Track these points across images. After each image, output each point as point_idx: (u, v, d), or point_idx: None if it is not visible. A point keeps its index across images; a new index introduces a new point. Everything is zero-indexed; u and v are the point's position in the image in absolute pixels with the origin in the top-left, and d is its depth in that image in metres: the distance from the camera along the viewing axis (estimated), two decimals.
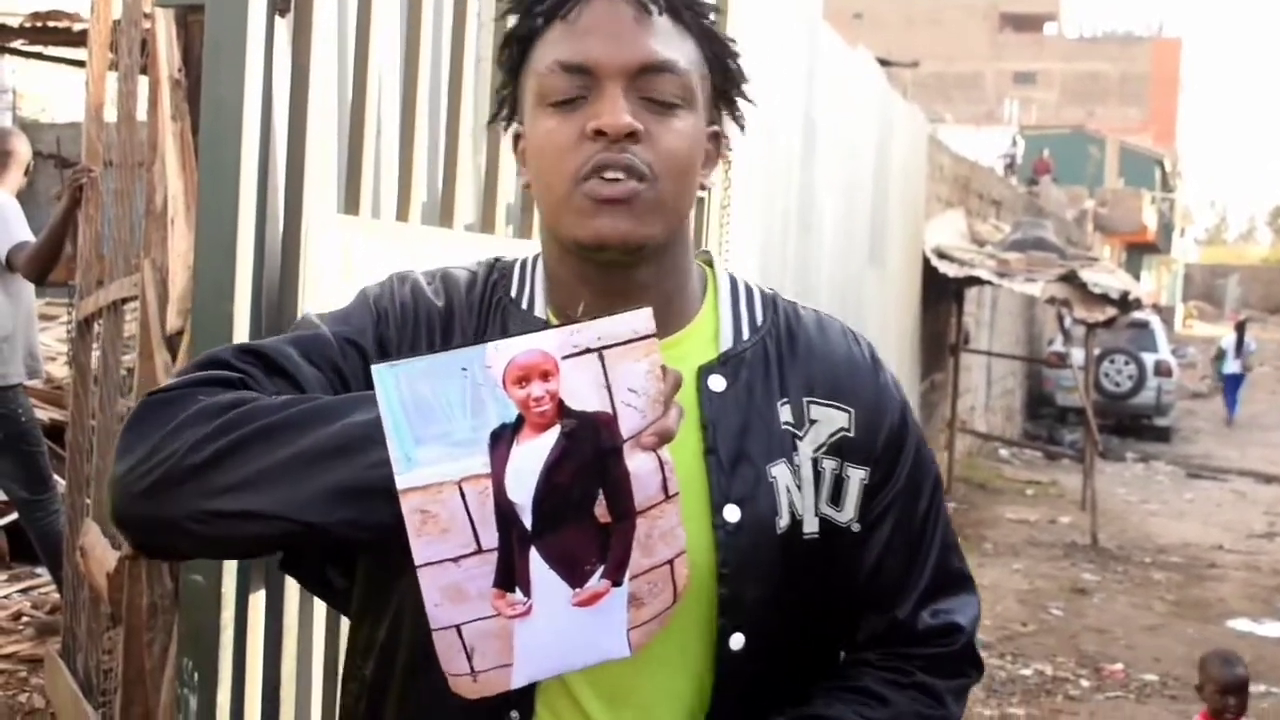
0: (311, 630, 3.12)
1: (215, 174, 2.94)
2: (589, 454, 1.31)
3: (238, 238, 2.90)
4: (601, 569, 1.35)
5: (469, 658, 1.35)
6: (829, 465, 1.63)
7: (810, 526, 1.61)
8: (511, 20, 1.63)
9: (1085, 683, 8.25)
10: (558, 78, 1.53)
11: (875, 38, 34.48)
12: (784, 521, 1.59)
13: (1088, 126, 51.68)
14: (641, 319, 1.31)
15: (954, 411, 15.10)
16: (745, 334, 1.66)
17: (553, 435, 1.30)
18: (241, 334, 2.90)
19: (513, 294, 1.66)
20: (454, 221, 3.37)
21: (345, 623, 3.14)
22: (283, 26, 2.99)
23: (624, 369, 1.31)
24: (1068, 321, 14.96)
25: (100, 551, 4.16)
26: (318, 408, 1.39)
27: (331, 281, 2.95)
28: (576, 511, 1.33)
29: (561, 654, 1.38)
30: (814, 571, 1.62)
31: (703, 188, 1.62)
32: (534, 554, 1.33)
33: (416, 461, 1.28)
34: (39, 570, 7.06)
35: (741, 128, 1.71)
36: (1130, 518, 14.40)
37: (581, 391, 1.30)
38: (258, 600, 2.97)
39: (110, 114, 4.74)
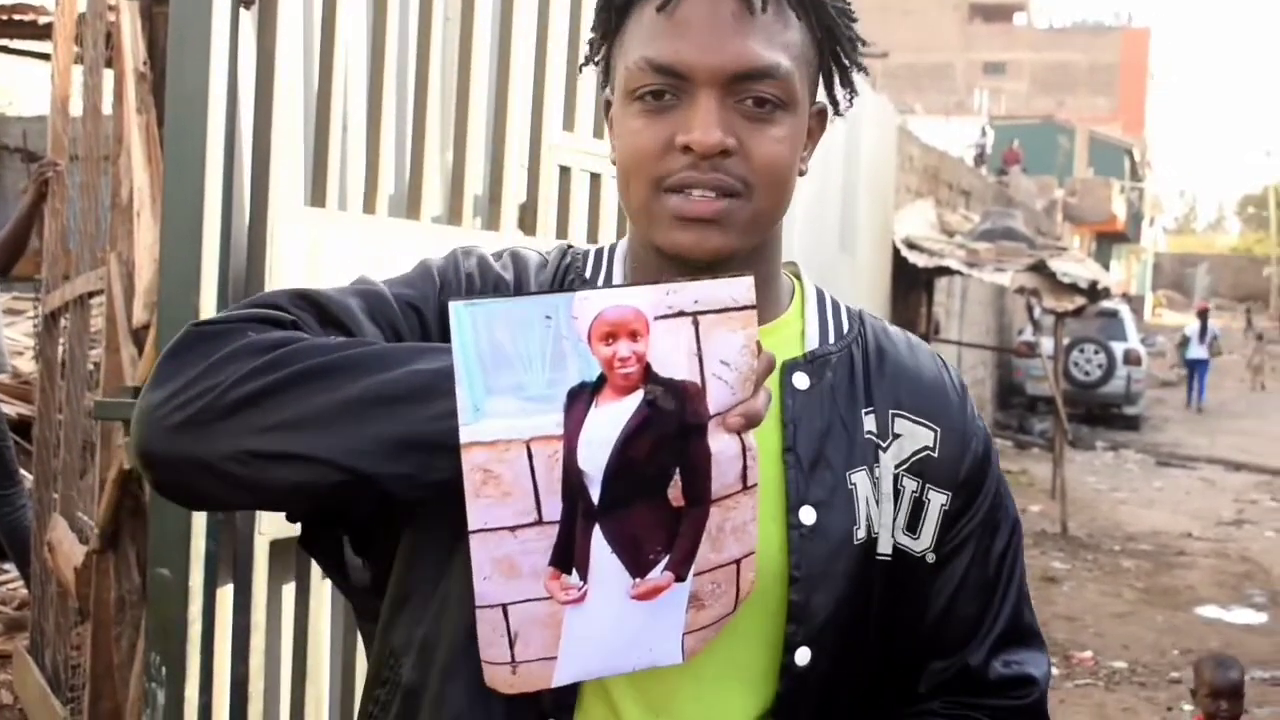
0: (280, 624, 3.11)
1: (181, 167, 2.94)
2: (671, 427, 1.21)
3: (204, 231, 2.89)
4: (666, 559, 1.25)
5: (511, 644, 1.25)
6: (910, 485, 1.54)
7: (884, 547, 1.51)
8: None
9: (1055, 670, 8.28)
10: (647, 76, 1.42)
11: None
12: (861, 532, 1.49)
13: (1057, 116, 51.84)
14: (742, 287, 1.21)
15: None
16: (832, 338, 1.57)
17: (635, 401, 1.20)
18: None
19: (587, 275, 1.57)
20: (421, 214, 3.37)
21: (324, 619, 3.15)
22: (248, 19, 2.99)
23: (718, 338, 1.21)
24: (1037, 311, 15.03)
25: (68, 546, 4.15)
26: (378, 352, 1.30)
27: (298, 274, 2.94)
28: (650, 490, 1.22)
29: (610, 653, 1.28)
30: (885, 596, 1.52)
31: (801, 173, 1.52)
32: (597, 533, 1.23)
33: (485, 413, 1.17)
34: (6, 566, 7.02)
35: (853, 95, 1.59)
36: (1100, 506, 14.47)
37: (671, 357, 1.20)
38: (225, 595, 2.97)
39: (76, 107, 4.72)
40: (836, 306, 1.63)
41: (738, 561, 1.28)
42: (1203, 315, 29.28)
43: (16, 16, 8.85)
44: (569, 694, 1.40)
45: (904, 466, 1.54)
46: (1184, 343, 29.01)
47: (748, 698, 1.48)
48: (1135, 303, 41.71)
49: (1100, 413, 22.71)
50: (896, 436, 1.55)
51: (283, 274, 2.93)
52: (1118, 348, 22.69)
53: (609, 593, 1.24)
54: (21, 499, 6.17)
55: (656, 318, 1.19)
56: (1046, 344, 16.55)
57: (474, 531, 1.20)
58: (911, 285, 14.69)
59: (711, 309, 1.20)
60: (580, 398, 1.19)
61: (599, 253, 1.60)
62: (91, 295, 4.29)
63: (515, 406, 1.17)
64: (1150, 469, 18.05)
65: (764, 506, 1.39)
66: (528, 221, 3.66)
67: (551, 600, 1.23)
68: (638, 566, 1.24)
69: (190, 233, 2.90)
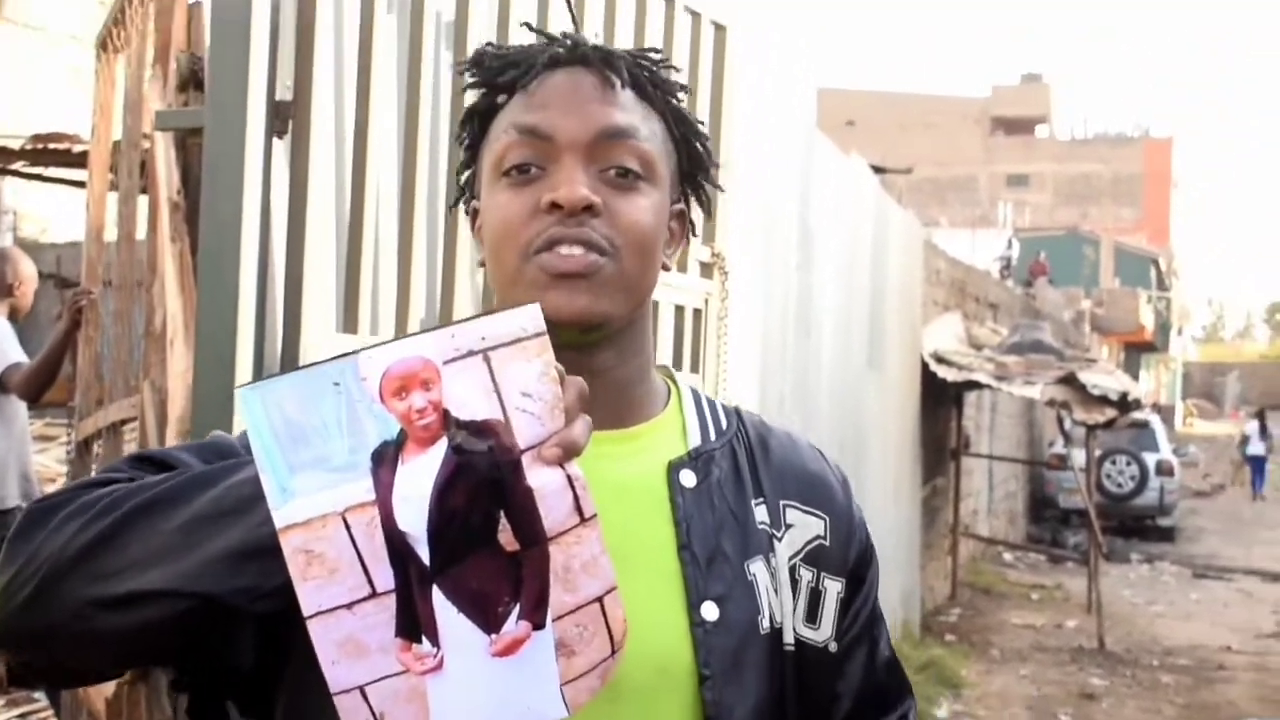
0: None
1: (214, 295, 2.96)
2: (484, 469, 1.17)
3: (236, 358, 2.90)
4: (518, 609, 1.19)
5: None
6: (805, 575, 1.55)
7: (788, 638, 1.51)
8: (471, 97, 1.56)
9: None
10: (512, 143, 1.45)
11: (869, 144, 34.74)
12: (766, 622, 1.49)
13: (1082, 227, 51.98)
14: (528, 315, 1.18)
15: (956, 516, 15.03)
16: (713, 435, 1.58)
17: (440, 450, 1.16)
18: None
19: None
20: None
21: None
22: (280, 148, 3.02)
23: (514, 371, 1.17)
24: (1068, 423, 14.95)
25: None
26: (200, 475, 1.28)
27: None
28: (479, 539, 1.18)
29: (487, 717, 1.20)
30: (795, 689, 1.52)
31: (665, 268, 1.53)
32: (437, 594, 1.18)
33: (293, 492, 1.14)
34: (36, 695, 6.97)
35: (707, 213, 1.64)
36: (1137, 620, 14.29)
37: (469, 399, 1.16)
38: None
39: (110, 234, 4.76)
40: (713, 404, 1.64)
41: (599, 600, 1.22)
42: (1260, 415, 32.98)
43: (52, 145, 8.98)
44: None
45: (799, 556, 1.55)
46: (1244, 441, 32.36)
47: None
48: (1166, 413, 41.54)
49: (1134, 525, 22.49)
50: (789, 526, 1.56)
51: None
52: (1150, 459, 22.54)
53: (468, 655, 1.19)
54: None
55: (446, 362, 1.16)
56: (1078, 456, 16.43)
57: (310, 617, 1.16)
58: (941, 400, 14.64)
59: (502, 343, 1.17)
60: (385, 458, 1.15)
61: None
62: (124, 423, 4.30)
63: (322, 480, 1.14)
64: (1187, 581, 17.84)
65: (665, 606, 1.43)
66: None
67: (409, 673, 1.18)
68: (489, 622, 1.19)
69: (223, 361, 2.91)
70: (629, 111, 1.48)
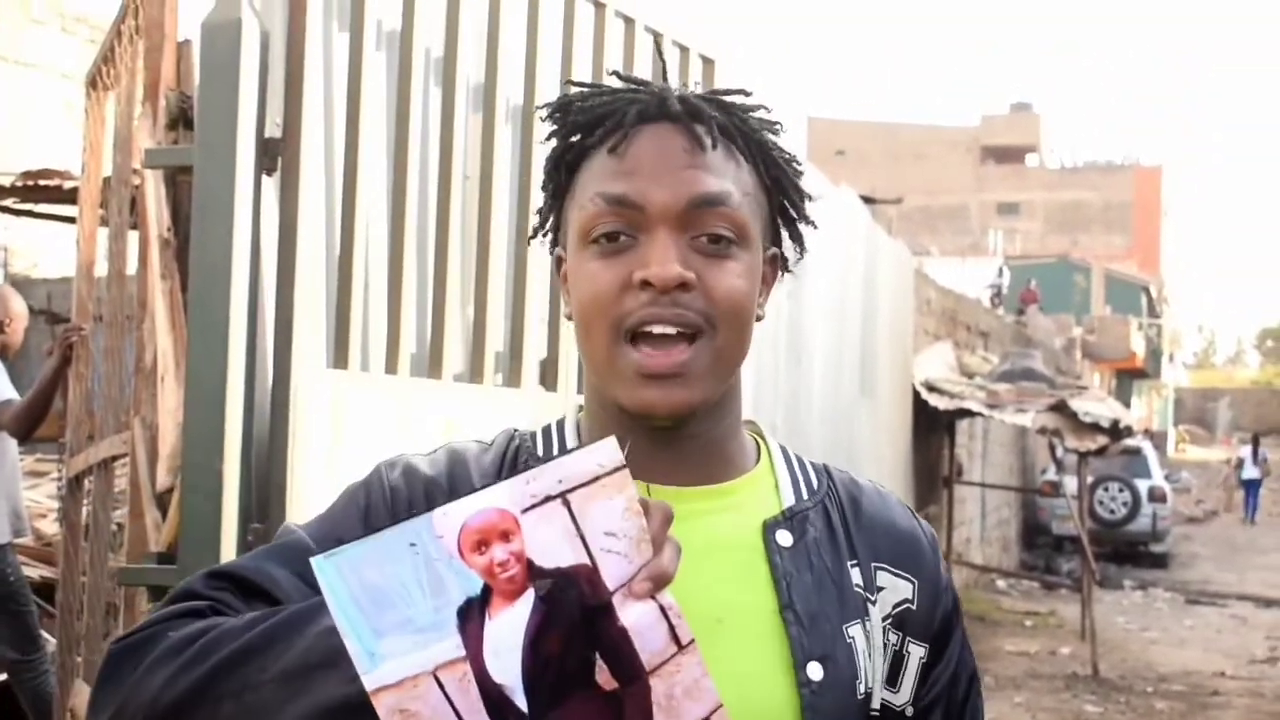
0: None
1: (204, 331, 2.96)
2: (574, 615, 1.14)
3: (227, 394, 2.91)
4: None
5: None
6: (891, 639, 1.51)
7: (875, 703, 1.48)
8: (554, 141, 1.52)
9: None
10: (601, 212, 1.41)
11: (859, 174, 34.82)
12: (863, 687, 1.46)
13: (1072, 255, 52.10)
14: (607, 451, 1.16)
15: (949, 544, 15.02)
16: (805, 494, 1.54)
17: (528, 601, 1.14)
18: (231, 491, 2.89)
19: (539, 454, 1.51)
20: (443, 372, 3.38)
21: None
22: (270, 185, 3.04)
23: (596, 511, 1.14)
24: (1060, 451, 14.97)
25: None
26: (284, 621, 1.25)
27: (322, 436, 2.95)
28: (576, 682, 1.15)
29: None
30: None
31: (758, 318, 1.49)
32: None
33: (381, 656, 1.12)
34: None
35: (802, 250, 1.60)
36: (1131, 646, 14.28)
37: (551, 546, 1.14)
38: None
39: (101, 271, 4.77)
40: (802, 462, 1.60)
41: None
42: (1255, 440, 33.95)
43: (43, 181, 8.98)
44: None
45: (888, 620, 1.52)
46: (1239, 464, 33.30)
47: None
48: (1158, 439, 41.61)
49: (1127, 551, 22.51)
50: (880, 589, 1.52)
51: (306, 436, 2.94)
52: (1142, 485, 22.57)
53: None
54: (44, 664, 6.13)
55: (524, 511, 1.14)
56: (1070, 483, 16.44)
57: None
58: (933, 428, 14.66)
59: (580, 483, 1.15)
60: (472, 614, 1.14)
61: (547, 430, 1.56)
62: (115, 459, 4.30)
63: (409, 642, 1.13)
64: (1180, 607, 17.83)
65: (767, 665, 1.39)
66: (549, 377, 3.67)
67: None
68: None
69: (214, 397, 2.92)
70: (719, 174, 1.43)
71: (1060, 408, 13.69)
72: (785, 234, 1.57)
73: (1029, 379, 14.72)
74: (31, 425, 6.03)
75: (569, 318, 1.51)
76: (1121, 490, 22.54)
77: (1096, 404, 14.52)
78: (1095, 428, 13.55)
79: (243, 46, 2.97)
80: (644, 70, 4.01)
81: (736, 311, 1.43)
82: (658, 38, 4.05)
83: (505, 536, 1.14)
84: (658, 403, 1.40)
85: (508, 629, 1.14)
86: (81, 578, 4.87)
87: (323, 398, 2.99)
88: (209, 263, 2.97)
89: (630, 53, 3.98)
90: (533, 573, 1.14)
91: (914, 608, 1.54)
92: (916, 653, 1.53)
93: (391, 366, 3.25)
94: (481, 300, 3.51)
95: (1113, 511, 22.49)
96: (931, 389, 13.83)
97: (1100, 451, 14.09)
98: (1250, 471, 32.36)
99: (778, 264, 1.56)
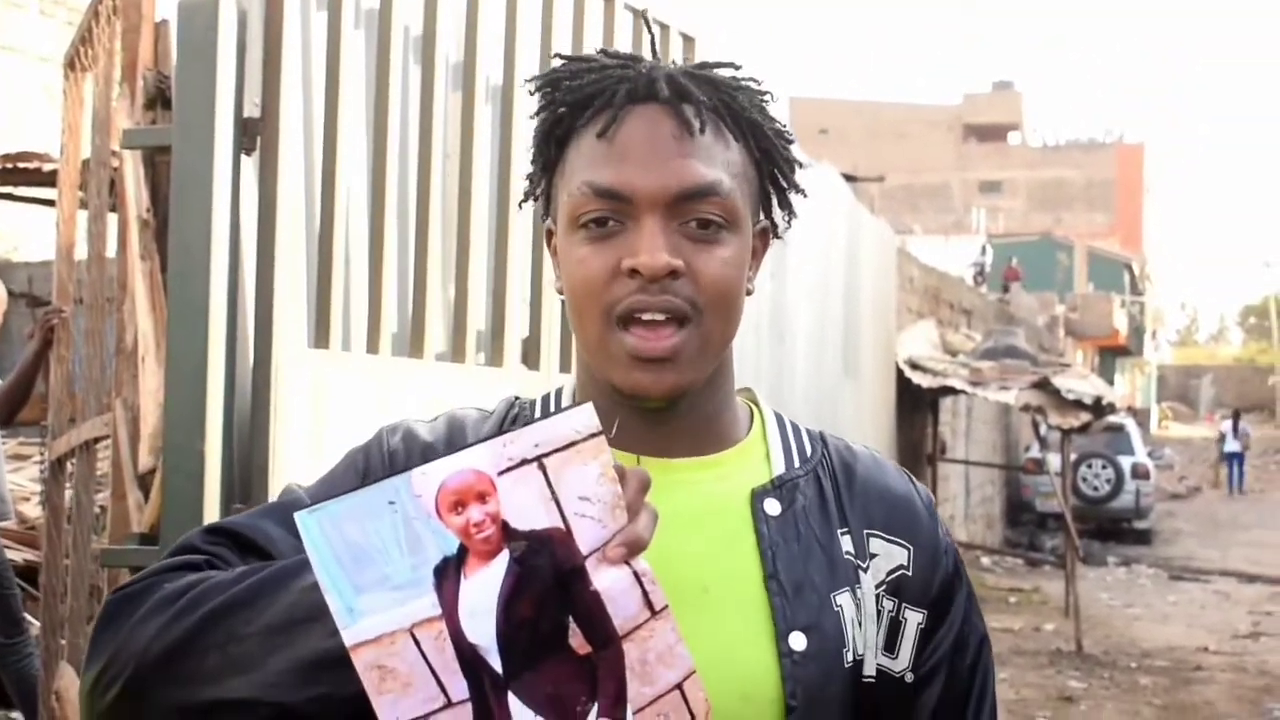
0: None
1: (184, 312, 2.96)
2: (547, 578, 1.16)
3: (208, 375, 2.90)
4: (596, 708, 1.18)
5: None
6: (887, 605, 1.51)
7: (869, 669, 1.48)
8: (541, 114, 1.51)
9: None
10: (590, 201, 1.42)
11: (841, 152, 34.82)
12: (850, 655, 1.46)
13: (1055, 233, 52.14)
14: (583, 416, 1.18)
15: None
16: (797, 462, 1.55)
17: (503, 563, 1.16)
18: (213, 472, 2.89)
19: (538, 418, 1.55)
20: (424, 352, 3.38)
21: None
22: (249, 165, 3.03)
23: (571, 476, 1.16)
24: (1043, 428, 15.01)
25: (76, 695, 4.11)
26: (271, 576, 1.28)
27: (303, 416, 2.95)
28: (550, 645, 1.17)
29: None
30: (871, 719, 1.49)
31: (748, 292, 1.50)
32: (513, 701, 1.17)
33: (360, 612, 1.14)
34: (13, 715, 6.95)
35: (791, 217, 1.59)
36: (1114, 622, 14.33)
37: (526, 508, 1.15)
38: None
39: (81, 253, 4.75)
40: (797, 429, 1.61)
41: (678, 686, 1.21)
42: (1235, 415, 35.28)
43: (21, 164, 8.94)
44: None
45: (882, 587, 1.52)
46: (1221, 438, 34.70)
47: None
48: (1141, 416, 41.79)
49: (1111, 528, 22.60)
50: (873, 556, 1.52)
51: (287, 416, 2.94)
52: (1125, 462, 22.66)
53: None
54: (28, 647, 6.12)
55: (500, 473, 1.15)
56: (1054, 460, 16.49)
57: None
58: (916, 406, 14.69)
59: (555, 448, 1.16)
60: (448, 573, 1.15)
61: (545, 398, 1.59)
62: (97, 441, 4.29)
63: (387, 599, 1.15)
64: (1163, 583, 17.91)
65: (750, 634, 1.41)
66: (531, 356, 3.67)
67: None
68: None
69: (194, 377, 2.91)
70: (709, 160, 1.43)
71: (1043, 385, 13.73)
72: (775, 201, 1.56)
73: (1012, 356, 14.76)
74: (13, 409, 6.02)
75: (559, 291, 1.52)
76: (1105, 467, 22.61)
77: (1079, 381, 14.57)
78: (1078, 405, 13.59)
79: (220, 26, 2.96)
80: (623, 47, 4.01)
81: (724, 297, 1.44)
82: (638, 15, 4.04)
83: (482, 498, 1.15)
84: (650, 385, 1.42)
85: (483, 590, 1.16)
86: (65, 560, 4.87)
87: (304, 377, 2.99)
88: (188, 243, 2.97)
89: (610, 30, 3.97)
90: (508, 534, 1.16)
91: (910, 573, 1.54)
92: (914, 619, 1.53)
93: (373, 346, 3.25)
94: (463, 279, 3.51)
95: (1096, 488, 22.57)
96: (915, 367, 13.86)
97: (1083, 428, 14.15)
98: (1231, 445, 33.64)
99: (768, 235, 1.56)
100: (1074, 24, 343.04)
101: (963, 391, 14.27)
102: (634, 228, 1.41)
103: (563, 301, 1.51)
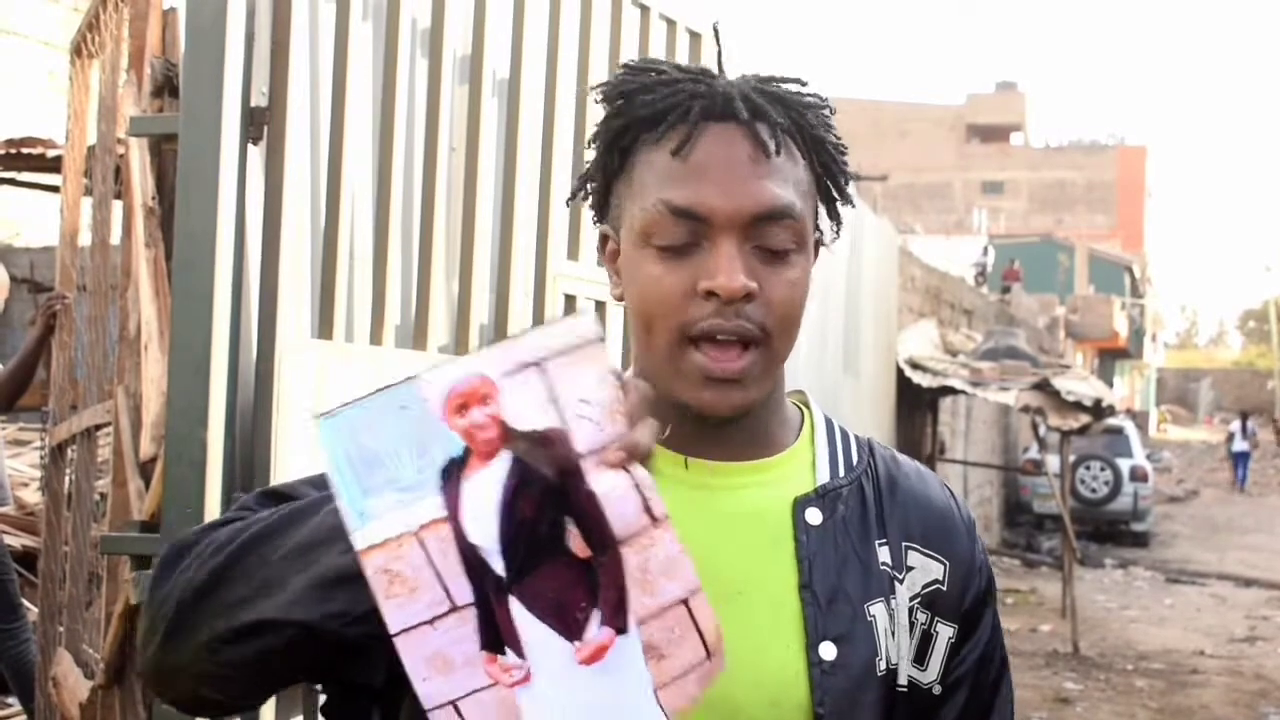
0: None
1: (188, 300, 2.96)
2: (546, 477, 1.18)
3: (211, 363, 2.90)
4: (597, 615, 1.20)
5: None
6: (920, 618, 1.54)
7: (902, 679, 1.51)
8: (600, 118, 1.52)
9: None
10: (666, 220, 1.42)
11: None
12: (883, 665, 1.49)
13: (1056, 234, 52.17)
14: (585, 323, 1.20)
15: None
16: (842, 471, 1.57)
17: (504, 463, 1.18)
18: (215, 460, 2.89)
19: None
20: (428, 344, 3.38)
21: None
22: (255, 153, 3.02)
23: (570, 379, 1.18)
24: (1042, 429, 15.01)
25: (73, 681, 4.11)
26: (297, 508, 1.32)
27: (306, 406, 2.95)
28: (549, 548, 1.19)
29: None
30: None
31: None
32: (516, 605, 1.19)
33: (369, 515, 1.16)
34: (9, 700, 6.95)
35: (838, 226, 1.61)
36: (1111, 625, 14.34)
37: (527, 410, 1.18)
38: None
39: (84, 240, 4.75)
40: (846, 437, 1.63)
41: (685, 602, 1.22)
42: (1244, 416, 36.72)
43: (25, 150, 8.94)
44: None
45: (917, 600, 1.54)
46: (1230, 438, 35.84)
47: None
48: (1140, 418, 41.82)
49: (1108, 530, 22.61)
50: (909, 569, 1.54)
51: (290, 405, 2.94)
52: (1124, 464, 22.65)
53: (555, 665, 1.20)
54: (25, 632, 6.13)
55: (503, 375, 1.17)
56: (1052, 462, 16.50)
57: (396, 635, 1.17)
58: (916, 406, 14.69)
59: (558, 352, 1.18)
60: (453, 475, 1.18)
61: None
62: (99, 428, 4.29)
63: (394, 501, 1.17)
64: (1160, 586, 17.92)
65: (782, 641, 1.43)
66: None
67: (498, 686, 1.19)
68: (570, 629, 1.20)
69: (198, 366, 2.91)
70: (783, 181, 1.44)
71: (1043, 386, 13.73)
72: (823, 211, 1.57)
73: (1012, 357, 14.76)
74: (15, 395, 6.02)
75: (617, 299, 1.53)
76: (1103, 469, 22.61)
77: (1079, 383, 14.56)
78: (1078, 406, 13.59)
79: (229, 14, 2.95)
80: (630, 43, 4.00)
81: (792, 319, 1.48)
82: (645, 11, 4.04)
83: (485, 400, 1.17)
84: (717, 403, 1.44)
85: (484, 490, 1.18)
86: (64, 546, 4.87)
87: (307, 368, 2.99)
88: (193, 231, 2.96)
89: (618, 26, 3.97)
90: (509, 435, 1.18)
91: (944, 588, 1.56)
92: (945, 633, 1.56)
93: (376, 337, 3.25)
94: (467, 272, 3.51)
95: (1094, 490, 22.57)
96: (915, 366, 13.86)
97: (1082, 430, 14.14)
98: (1240, 444, 34.92)
99: (819, 247, 1.57)
100: (1079, 26, 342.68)
101: (962, 392, 14.27)
102: (709, 248, 1.42)
103: (600, 303, 1.52)
